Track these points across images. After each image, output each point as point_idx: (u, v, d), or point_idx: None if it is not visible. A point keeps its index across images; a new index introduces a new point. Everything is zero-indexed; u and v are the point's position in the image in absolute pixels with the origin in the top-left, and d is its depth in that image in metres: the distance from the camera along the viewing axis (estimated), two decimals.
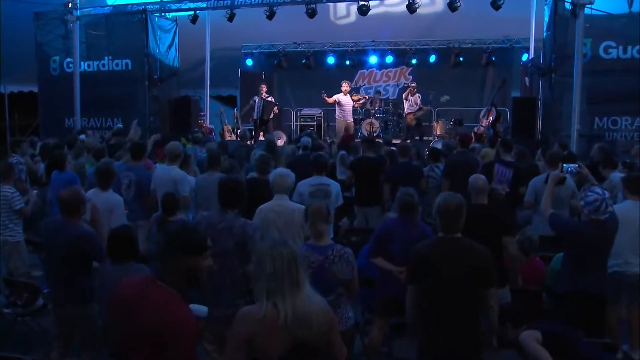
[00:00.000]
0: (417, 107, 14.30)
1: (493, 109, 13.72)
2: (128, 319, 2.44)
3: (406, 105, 14.51)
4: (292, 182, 5.39)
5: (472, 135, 13.69)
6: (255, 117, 14.08)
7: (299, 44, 17.51)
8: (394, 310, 4.68)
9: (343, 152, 9.19)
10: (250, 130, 13.41)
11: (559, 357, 3.56)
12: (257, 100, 13.95)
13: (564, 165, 5.02)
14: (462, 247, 3.63)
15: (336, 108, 14.07)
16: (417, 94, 14.48)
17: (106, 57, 13.34)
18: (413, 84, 15.02)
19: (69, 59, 13.33)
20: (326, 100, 14.08)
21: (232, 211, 4.16)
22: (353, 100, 14.13)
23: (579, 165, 5.10)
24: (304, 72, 17.83)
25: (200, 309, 2.72)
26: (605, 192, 4.53)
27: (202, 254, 2.52)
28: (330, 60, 17.57)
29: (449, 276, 3.54)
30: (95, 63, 13.41)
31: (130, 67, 13.30)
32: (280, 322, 2.52)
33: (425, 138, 14.92)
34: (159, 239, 2.62)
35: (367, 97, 15.55)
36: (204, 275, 2.56)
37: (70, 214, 4.32)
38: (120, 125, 11.97)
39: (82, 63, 13.21)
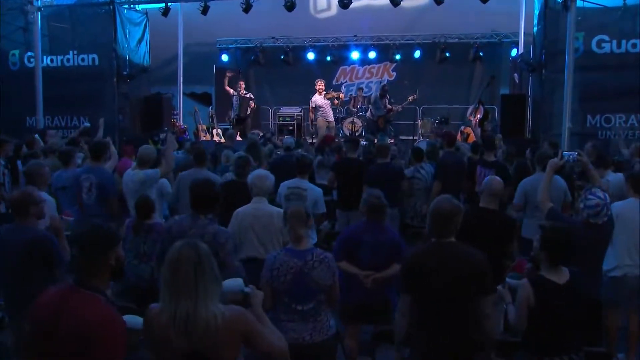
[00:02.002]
0: (386, 110, 14.09)
1: (481, 107, 13.74)
2: (52, 329, 2.49)
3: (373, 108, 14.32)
4: (271, 184, 5.32)
5: (459, 134, 13.74)
6: (232, 115, 13.98)
7: (277, 39, 17.35)
8: (360, 316, 4.69)
9: (320, 157, 9.13)
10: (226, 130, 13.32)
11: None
12: (234, 98, 13.85)
13: (564, 152, 5.01)
14: (456, 252, 3.56)
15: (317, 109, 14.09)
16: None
17: (71, 52, 12.98)
18: (385, 86, 14.97)
19: (29, 53, 12.94)
20: (311, 110, 14.10)
21: (204, 216, 4.09)
22: (327, 99, 14.09)
23: (578, 153, 5.08)
24: (283, 68, 17.65)
25: (135, 320, 2.81)
26: (607, 195, 4.51)
27: (119, 242, 2.75)
28: (310, 56, 17.41)
29: (441, 283, 3.47)
30: (59, 58, 13.05)
31: (97, 63, 13.01)
32: (171, 328, 2.54)
33: (410, 137, 14.89)
34: (78, 243, 2.71)
35: (342, 95, 15.51)
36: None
37: (21, 216, 4.14)
38: (87, 125, 11.73)
39: (45, 57, 12.84)
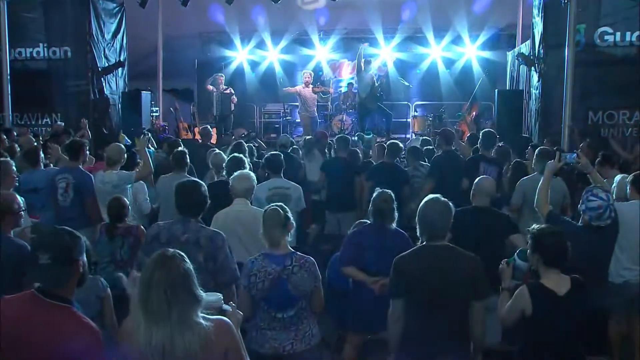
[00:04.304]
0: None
1: (477, 103, 13.70)
2: (24, 345, 2.42)
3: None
4: (250, 185, 5.26)
5: (454, 132, 13.66)
6: (215, 113, 13.86)
7: (262, 32, 17.23)
8: (367, 325, 4.64)
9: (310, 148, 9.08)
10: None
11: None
12: (215, 94, 13.72)
13: (562, 154, 4.97)
14: (447, 256, 3.58)
15: (299, 102, 13.97)
16: None
17: (41, 44, 12.72)
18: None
19: None
20: (288, 90, 13.98)
21: (194, 219, 4.05)
22: (314, 92, 13.97)
23: (577, 155, 5.03)
24: (268, 62, 17.55)
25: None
26: (609, 196, 4.44)
27: (87, 251, 2.72)
28: (297, 49, 17.32)
29: (431, 288, 3.48)
30: (29, 50, 12.74)
31: (70, 56, 12.74)
32: (151, 349, 2.48)
33: (402, 136, 14.80)
34: (48, 250, 2.60)
35: (331, 90, 15.42)
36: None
37: None
38: (60, 123, 11.54)
39: (12, 50, 12.47)
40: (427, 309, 3.51)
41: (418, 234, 3.78)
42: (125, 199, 5.48)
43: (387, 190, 4.86)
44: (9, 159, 5.99)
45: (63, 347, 2.41)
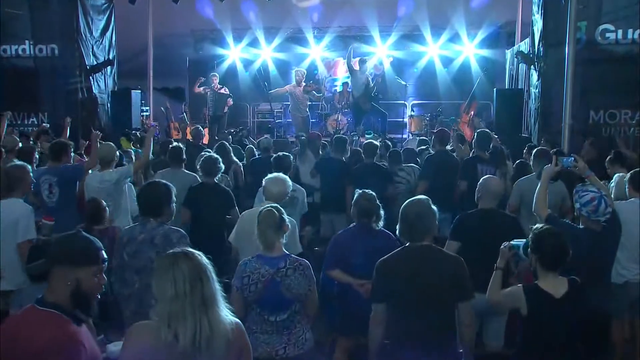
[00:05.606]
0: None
1: (475, 102, 13.70)
2: (11, 351, 2.41)
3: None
4: (282, 188, 5.10)
5: (451, 131, 13.64)
6: (210, 112, 13.82)
7: (255, 29, 17.21)
8: (356, 327, 4.59)
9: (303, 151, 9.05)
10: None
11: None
12: (209, 94, 13.68)
13: (559, 158, 4.93)
14: (430, 257, 3.64)
15: (290, 101, 13.93)
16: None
17: (27, 41, 12.60)
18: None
19: None
20: (278, 91, 13.97)
21: (155, 220, 4.08)
22: (305, 92, 13.93)
23: (574, 159, 5.00)
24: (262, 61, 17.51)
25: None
26: (601, 191, 4.40)
27: (91, 265, 2.53)
28: (291, 47, 17.30)
29: (416, 290, 3.51)
30: (14, 48, 12.61)
31: (57, 54, 12.64)
32: (179, 349, 2.44)
33: (399, 136, 14.78)
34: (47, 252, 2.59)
35: (323, 88, 15.42)
36: (96, 295, 2.59)
37: None
38: (46, 125, 11.45)
39: None
40: (411, 311, 3.54)
41: (397, 234, 3.82)
42: (104, 202, 5.43)
43: (368, 190, 4.83)
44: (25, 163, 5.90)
45: (35, 354, 2.39)
